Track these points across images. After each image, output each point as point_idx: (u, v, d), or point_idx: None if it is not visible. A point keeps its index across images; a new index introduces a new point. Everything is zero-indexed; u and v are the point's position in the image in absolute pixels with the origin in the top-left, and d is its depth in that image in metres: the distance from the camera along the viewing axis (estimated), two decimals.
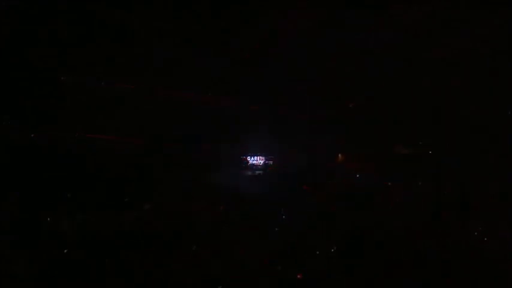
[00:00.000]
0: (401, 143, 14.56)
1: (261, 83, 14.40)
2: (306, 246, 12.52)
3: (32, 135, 13.27)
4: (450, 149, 13.86)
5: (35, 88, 13.22)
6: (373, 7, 12.67)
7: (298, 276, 12.60)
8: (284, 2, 12.97)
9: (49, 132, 13.39)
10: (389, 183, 14.48)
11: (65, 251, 11.82)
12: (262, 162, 15.26)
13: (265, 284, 11.69)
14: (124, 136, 13.90)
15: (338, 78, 14.05)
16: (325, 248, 12.49)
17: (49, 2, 12.87)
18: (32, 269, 11.21)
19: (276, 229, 13.07)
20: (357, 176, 14.80)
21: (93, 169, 13.38)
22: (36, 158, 12.98)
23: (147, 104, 13.91)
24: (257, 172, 15.37)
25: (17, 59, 12.98)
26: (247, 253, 12.30)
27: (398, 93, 13.91)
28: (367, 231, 12.67)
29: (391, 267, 11.84)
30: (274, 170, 14.94)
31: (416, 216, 13.02)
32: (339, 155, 15.08)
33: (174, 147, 14.23)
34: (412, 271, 11.73)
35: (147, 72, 13.74)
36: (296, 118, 14.79)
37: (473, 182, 13.17)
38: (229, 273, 11.85)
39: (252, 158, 15.21)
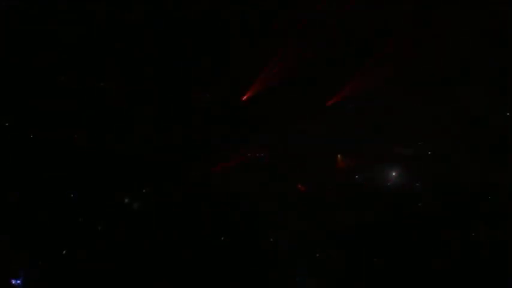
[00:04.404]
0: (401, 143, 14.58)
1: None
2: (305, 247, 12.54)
3: (32, 135, 13.29)
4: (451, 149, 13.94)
5: (35, 88, 13.24)
6: None
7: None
8: None
9: (49, 133, 13.40)
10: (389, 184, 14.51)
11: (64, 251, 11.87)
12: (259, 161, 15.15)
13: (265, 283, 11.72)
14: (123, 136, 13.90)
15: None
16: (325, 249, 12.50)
17: (49, 2, 12.90)
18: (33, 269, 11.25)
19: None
20: (356, 176, 14.79)
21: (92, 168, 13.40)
22: (36, 158, 13.00)
23: (145, 104, 13.93)
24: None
25: (17, 59, 12.99)
26: (247, 253, 12.33)
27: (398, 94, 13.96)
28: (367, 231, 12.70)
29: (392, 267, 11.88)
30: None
31: (416, 216, 13.06)
32: (338, 156, 15.06)
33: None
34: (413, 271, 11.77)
35: (144, 72, 13.78)
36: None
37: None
38: (229, 272, 11.87)
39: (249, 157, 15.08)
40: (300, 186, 14.50)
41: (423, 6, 13.05)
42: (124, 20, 13.28)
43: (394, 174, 14.58)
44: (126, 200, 13.35)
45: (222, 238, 12.63)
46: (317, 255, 12.48)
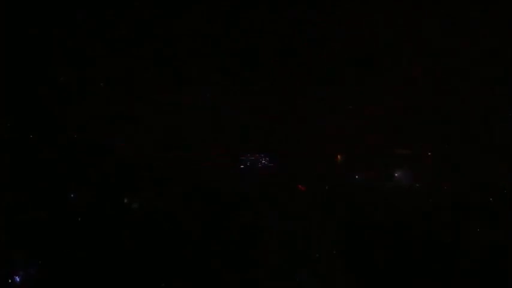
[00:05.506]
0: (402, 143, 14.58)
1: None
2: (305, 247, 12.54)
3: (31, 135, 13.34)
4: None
5: (35, 88, 13.30)
6: None
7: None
8: None
9: (49, 133, 13.45)
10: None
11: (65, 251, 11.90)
12: (259, 161, 15.13)
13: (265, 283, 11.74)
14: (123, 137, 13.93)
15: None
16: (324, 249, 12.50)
17: (49, 2, 12.96)
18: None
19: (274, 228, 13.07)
20: (356, 176, 14.78)
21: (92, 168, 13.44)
22: (36, 158, 13.05)
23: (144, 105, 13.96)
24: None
25: (17, 59, 13.05)
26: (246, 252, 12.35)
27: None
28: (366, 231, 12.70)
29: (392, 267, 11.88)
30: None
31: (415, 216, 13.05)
32: (338, 156, 15.05)
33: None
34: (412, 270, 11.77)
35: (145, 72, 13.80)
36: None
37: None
38: (228, 272, 11.88)
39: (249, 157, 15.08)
40: (300, 186, 14.51)
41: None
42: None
43: (394, 174, 14.59)
44: (126, 200, 13.39)
45: (222, 239, 12.64)
46: (317, 255, 12.47)
